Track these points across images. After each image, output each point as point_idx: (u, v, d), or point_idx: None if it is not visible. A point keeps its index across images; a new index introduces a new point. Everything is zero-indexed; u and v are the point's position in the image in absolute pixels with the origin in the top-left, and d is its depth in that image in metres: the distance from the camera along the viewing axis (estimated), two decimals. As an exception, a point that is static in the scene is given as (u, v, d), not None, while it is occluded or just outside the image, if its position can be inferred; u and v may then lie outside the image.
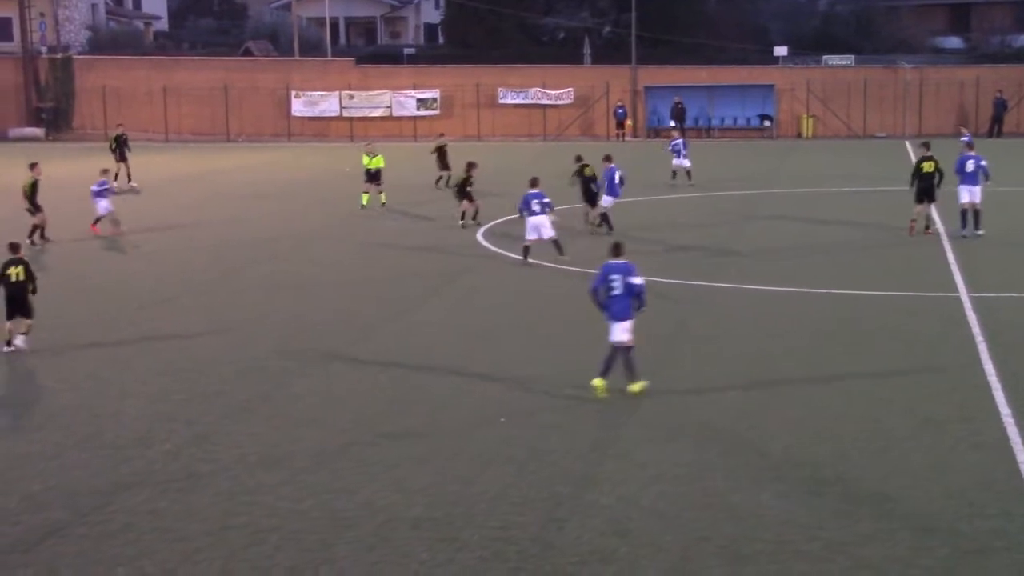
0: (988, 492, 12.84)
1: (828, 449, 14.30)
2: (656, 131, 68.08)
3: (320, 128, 69.77)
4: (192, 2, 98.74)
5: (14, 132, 69.91)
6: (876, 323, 20.95)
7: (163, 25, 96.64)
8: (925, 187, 29.72)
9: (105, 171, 34.20)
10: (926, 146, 30.70)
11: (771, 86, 67.82)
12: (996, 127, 64.71)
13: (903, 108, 66.25)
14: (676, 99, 66.55)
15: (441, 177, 41.89)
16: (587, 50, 76.14)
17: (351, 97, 69.83)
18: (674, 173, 42.09)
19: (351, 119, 69.45)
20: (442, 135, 46.88)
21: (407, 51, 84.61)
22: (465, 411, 15.94)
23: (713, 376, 17.54)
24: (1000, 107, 65.06)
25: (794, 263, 27.03)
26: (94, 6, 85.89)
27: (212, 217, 36.03)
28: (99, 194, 32.36)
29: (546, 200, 26.69)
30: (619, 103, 67.52)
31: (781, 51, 71.54)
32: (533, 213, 26.55)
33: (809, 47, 75.80)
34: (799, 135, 66.88)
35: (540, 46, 77.91)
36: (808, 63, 72.17)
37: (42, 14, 75.75)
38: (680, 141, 42.95)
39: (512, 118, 68.95)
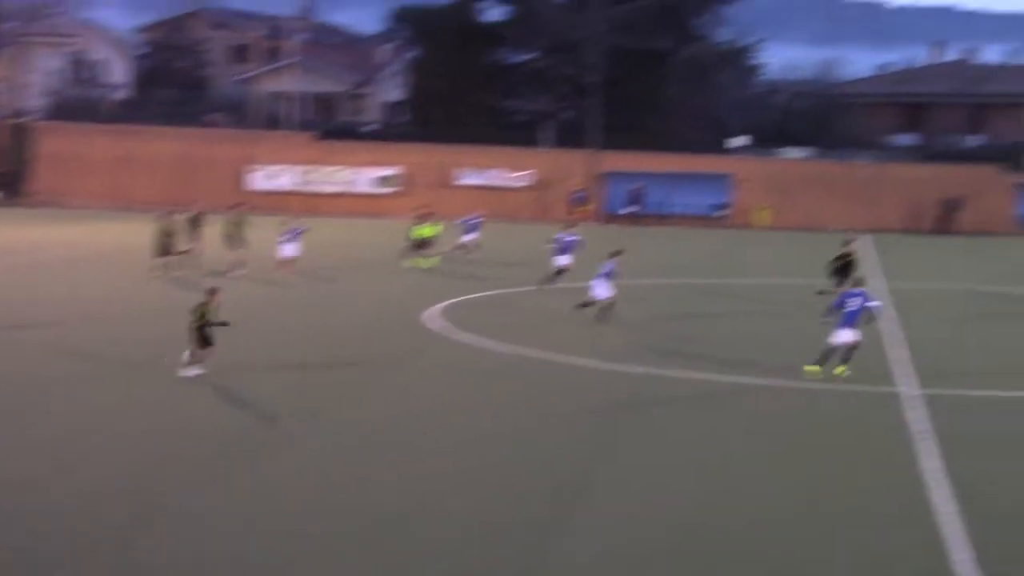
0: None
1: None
2: (614, 216, 68.82)
3: (278, 202, 69.88)
4: (155, 72, 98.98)
5: (-31, 196, 69.74)
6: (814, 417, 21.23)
7: (125, 94, 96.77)
8: None
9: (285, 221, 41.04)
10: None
11: (729, 175, 68.82)
12: (944, 225, 65.90)
13: (856, 203, 67.29)
14: (634, 185, 67.43)
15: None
16: (548, 133, 76.92)
17: (310, 172, 70.19)
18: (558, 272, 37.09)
19: (310, 194, 69.71)
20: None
21: (369, 128, 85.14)
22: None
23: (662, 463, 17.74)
24: (951, 206, 66.23)
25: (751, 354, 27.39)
26: (57, 72, 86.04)
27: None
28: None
29: (613, 270, 30.70)
30: (577, 187, 68.30)
31: (740, 142, 72.72)
32: (599, 276, 30.59)
33: (768, 139, 77.06)
34: (754, 225, 67.67)
35: (502, 128, 78.55)
36: (766, 155, 73.43)
37: (3, 79, 75.89)
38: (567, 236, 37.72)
39: (472, 198, 69.35)
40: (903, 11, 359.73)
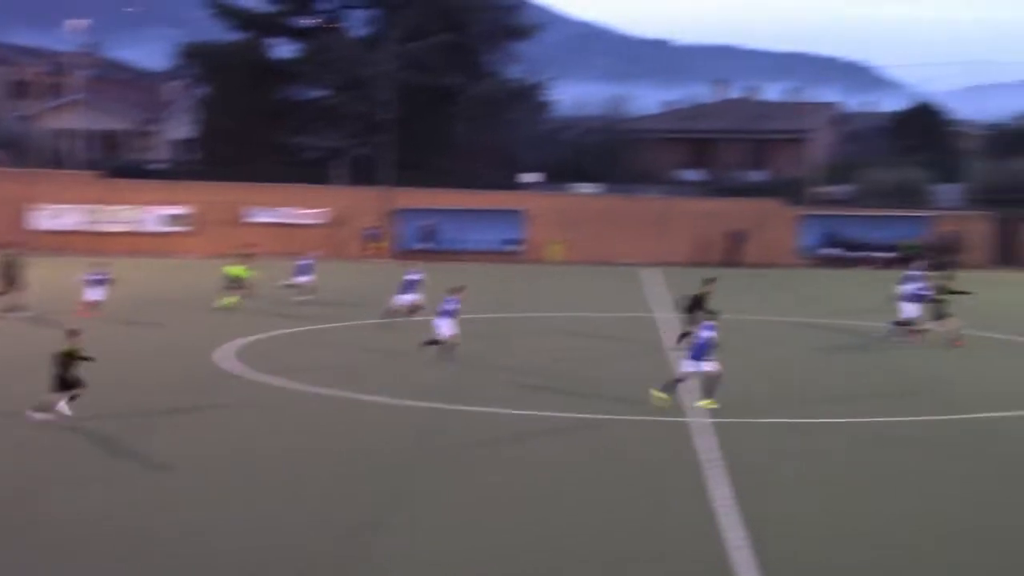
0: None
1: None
2: (407, 252, 68.90)
3: (62, 242, 68.03)
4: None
5: None
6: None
7: None
8: None
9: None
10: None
11: (522, 211, 69.57)
12: (732, 257, 67.76)
13: (646, 236, 68.73)
14: (427, 221, 67.77)
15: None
16: (341, 171, 76.72)
17: (96, 211, 68.51)
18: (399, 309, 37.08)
19: (96, 233, 68.00)
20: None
21: (157, 166, 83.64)
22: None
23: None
24: (737, 238, 68.16)
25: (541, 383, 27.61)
26: None
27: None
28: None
29: (455, 307, 30.42)
30: (371, 224, 68.23)
31: (532, 178, 73.67)
32: (441, 314, 30.40)
33: (559, 175, 78.23)
34: (547, 259, 68.51)
35: (294, 165, 78.08)
36: (558, 190, 74.57)
37: None
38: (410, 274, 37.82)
39: (264, 235, 68.67)
40: (688, 50, 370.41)
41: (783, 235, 69.44)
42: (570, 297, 49.24)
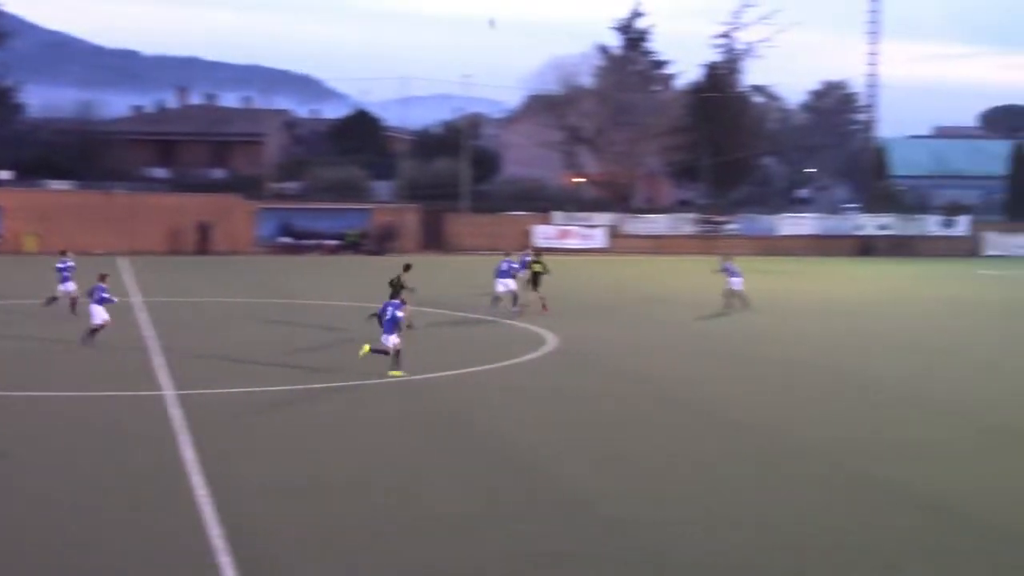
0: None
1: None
2: None
3: None
4: None
5: None
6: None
7: None
8: None
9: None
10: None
11: (-4, 206, 65.23)
12: (202, 246, 66.71)
13: (118, 228, 66.25)
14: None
15: None
16: None
17: None
18: None
19: None
20: None
21: None
22: None
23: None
24: (204, 229, 67.13)
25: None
26: None
27: None
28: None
29: (106, 292, 29.34)
30: None
31: (4, 175, 69.35)
32: (99, 301, 29.03)
33: (33, 172, 74.27)
34: (23, 251, 64.59)
35: None
36: (31, 186, 70.55)
37: None
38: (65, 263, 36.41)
39: None
40: (155, 60, 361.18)
41: (243, 226, 69.14)
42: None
